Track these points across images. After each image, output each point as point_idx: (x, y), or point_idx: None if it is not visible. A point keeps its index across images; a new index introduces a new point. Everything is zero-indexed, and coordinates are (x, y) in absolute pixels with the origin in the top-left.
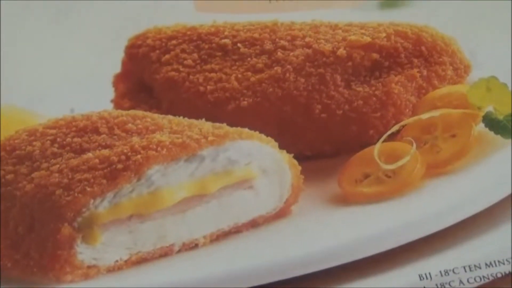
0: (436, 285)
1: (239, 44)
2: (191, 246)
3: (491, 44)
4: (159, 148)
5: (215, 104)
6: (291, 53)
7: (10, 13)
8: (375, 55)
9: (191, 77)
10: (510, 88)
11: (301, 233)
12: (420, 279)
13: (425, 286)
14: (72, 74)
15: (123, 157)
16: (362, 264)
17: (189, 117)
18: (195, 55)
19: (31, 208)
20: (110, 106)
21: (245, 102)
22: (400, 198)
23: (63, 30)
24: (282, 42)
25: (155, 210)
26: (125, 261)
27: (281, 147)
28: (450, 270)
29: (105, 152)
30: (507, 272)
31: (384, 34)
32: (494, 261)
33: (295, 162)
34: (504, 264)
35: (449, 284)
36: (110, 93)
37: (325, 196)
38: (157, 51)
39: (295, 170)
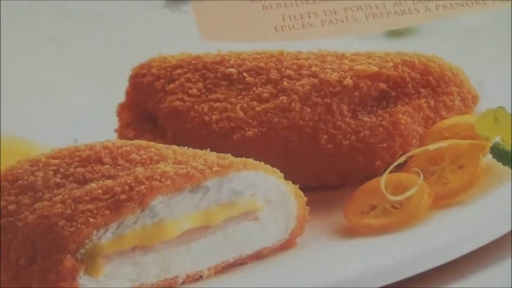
0: None
1: (244, 73)
2: (195, 278)
3: (499, 74)
4: (163, 179)
5: (220, 134)
6: (297, 83)
7: (12, 43)
8: (382, 85)
9: (196, 106)
10: None
11: (307, 265)
12: None
13: None
14: (76, 104)
15: (126, 187)
16: None
17: (194, 147)
18: (200, 84)
19: (33, 239)
20: (114, 136)
21: (251, 132)
22: (407, 230)
23: (67, 60)
24: (288, 72)
25: (159, 242)
26: None
27: (286, 178)
28: None
29: (109, 182)
30: None
31: (391, 64)
32: None
33: (301, 193)
34: None
35: None
36: (114, 123)
37: (331, 227)
38: (162, 80)
39: (300, 201)
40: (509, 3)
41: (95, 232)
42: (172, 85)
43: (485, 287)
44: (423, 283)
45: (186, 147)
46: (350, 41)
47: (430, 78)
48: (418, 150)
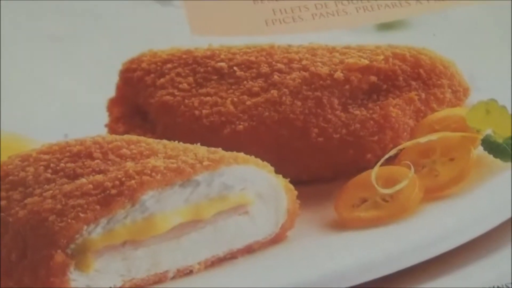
0: None
1: (235, 68)
2: (186, 273)
3: (490, 66)
4: (153, 173)
5: (210, 128)
6: (288, 76)
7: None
8: (373, 78)
9: (186, 101)
10: (509, 111)
11: (297, 258)
12: None
13: None
14: (66, 99)
15: (117, 182)
16: None
17: (184, 142)
18: (191, 79)
19: (24, 235)
20: (104, 131)
21: (241, 126)
22: (397, 223)
23: (57, 55)
24: (279, 65)
25: (149, 236)
26: None
27: (277, 171)
28: None
29: (99, 177)
30: None
31: (382, 57)
32: (494, 287)
33: (291, 187)
34: None
35: None
36: (105, 118)
37: (321, 221)
38: (152, 75)
39: (291, 195)
40: None
41: (85, 227)
42: (162, 80)
43: (476, 280)
44: (413, 277)
45: (176, 142)
46: (341, 34)
47: (421, 70)
48: (409, 143)
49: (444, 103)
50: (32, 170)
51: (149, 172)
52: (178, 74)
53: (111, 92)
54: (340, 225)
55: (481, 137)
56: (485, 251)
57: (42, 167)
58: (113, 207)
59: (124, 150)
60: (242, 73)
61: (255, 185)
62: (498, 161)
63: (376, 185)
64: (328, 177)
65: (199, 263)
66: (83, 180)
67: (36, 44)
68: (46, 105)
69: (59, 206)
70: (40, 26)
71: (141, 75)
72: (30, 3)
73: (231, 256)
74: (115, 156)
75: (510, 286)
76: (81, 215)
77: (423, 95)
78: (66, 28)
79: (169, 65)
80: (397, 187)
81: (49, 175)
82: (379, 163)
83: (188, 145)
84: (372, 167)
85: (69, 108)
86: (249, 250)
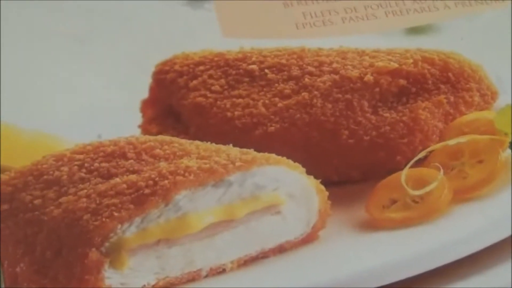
0: None
1: (266, 70)
2: (219, 271)
3: None
4: (186, 174)
5: (242, 130)
6: (318, 79)
7: (37, 38)
8: (402, 81)
9: (218, 102)
10: None
11: (329, 258)
12: None
13: None
14: (100, 100)
15: (150, 182)
16: None
17: (217, 143)
18: (223, 81)
19: (58, 233)
20: (137, 132)
21: (272, 128)
22: (427, 224)
23: (92, 58)
24: (309, 68)
25: (182, 235)
26: (153, 286)
27: (308, 172)
28: None
29: (133, 177)
30: None
31: (411, 60)
32: None
33: (322, 187)
34: None
35: None
36: (138, 119)
37: (352, 221)
38: (185, 77)
39: (322, 195)
40: None
41: (119, 226)
42: (195, 82)
43: (505, 280)
44: (443, 277)
45: (209, 143)
46: (371, 38)
47: (450, 74)
48: (438, 145)
49: (472, 106)
50: (66, 170)
51: (182, 172)
52: (210, 76)
53: (144, 94)
54: (371, 225)
55: (509, 139)
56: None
57: (76, 167)
58: (146, 206)
59: (158, 150)
60: (273, 75)
61: (287, 186)
62: None
63: (406, 187)
64: (358, 178)
65: (231, 262)
66: (117, 179)
67: (69, 46)
68: (80, 107)
69: (93, 205)
70: (69, 28)
71: (174, 77)
72: (60, 5)
73: (263, 256)
74: (149, 156)
75: None
76: (115, 214)
77: (452, 98)
78: (99, 31)
79: (201, 67)
80: (427, 189)
81: (83, 175)
82: (409, 164)
83: (220, 146)
84: (402, 169)
85: (103, 110)
86: (281, 249)
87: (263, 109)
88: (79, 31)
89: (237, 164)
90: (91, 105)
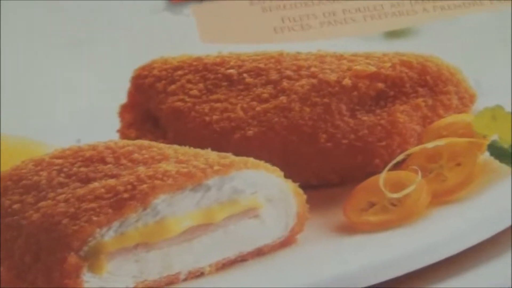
0: None
1: (244, 74)
2: (197, 275)
3: (496, 73)
4: (165, 178)
5: (220, 134)
6: (297, 83)
7: (16, 44)
8: (380, 85)
9: (197, 107)
10: None
11: (307, 261)
12: None
13: None
14: (78, 105)
15: (129, 186)
16: None
17: (195, 147)
18: (201, 85)
19: (37, 238)
20: (116, 136)
21: (251, 132)
22: (405, 227)
23: (69, 62)
24: (288, 72)
25: (161, 239)
26: None
27: (286, 176)
28: None
29: (111, 181)
30: None
31: (389, 64)
32: None
33: (301, 191)
34: None
35: None
36: (116, 124)
37: (330, 224)
38: (163, 82)
39: (300, 199)
40: (507, 3)
41: (98, 230)
42: (173, 86)
43: (484, 283)
44: (421, 280)
45: (187, 147)
46: (349, 42)
47: (428, 77)
48: (416, 148)
49: (450, 109)
50: (45, 174)
51: (160, 176)
52: (188, 81)
53: (123, 98)
54: (349, 229)
55: (487, 142)
56: (493, 254)
57: (55, 171)
58: (125, 210)
59: (136, 155)
60: (251, 79)
61: (265, 189)
62: (504, 166)
63: (384, 190)
64: (337, 182)
65: (210, 266)
66: (96, 184)
67: (47, 50)
68: (59, 111)
69: (72, 210)
70: (54, 30)
71: (152, 82)
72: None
73: (241, 259)
74: (127, 161)
75: None
76: (94, 218)
77: (430, 102)
78: (78, 35)
79: (179, 72)
80: (405, 192)
81: (62, 179)
82: (387, 168)
83: (199, 150)
84: (380, 172)
85: (82, 114)
86: (259, 253)
87: (241, 113)
88: (61, 37)
89: (216, 168)
90: (70, 110)
